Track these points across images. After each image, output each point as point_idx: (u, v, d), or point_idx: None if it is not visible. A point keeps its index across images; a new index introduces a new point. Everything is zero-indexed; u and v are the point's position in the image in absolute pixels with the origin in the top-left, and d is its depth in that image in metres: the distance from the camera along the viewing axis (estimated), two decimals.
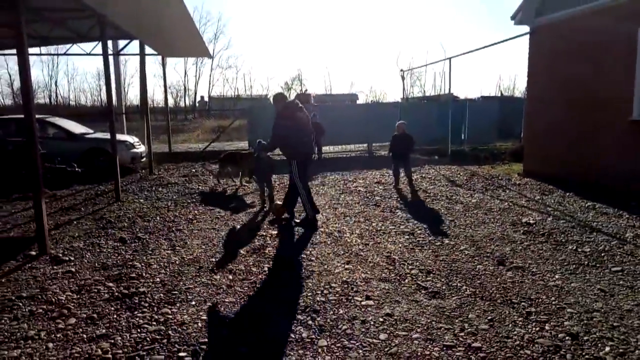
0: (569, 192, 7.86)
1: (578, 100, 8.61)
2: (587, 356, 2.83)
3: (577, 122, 8.65)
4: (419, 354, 2.89)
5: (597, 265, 4.44)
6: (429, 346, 2.98)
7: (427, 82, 62.73)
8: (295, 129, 5.90)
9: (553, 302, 3.61)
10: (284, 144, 6.06)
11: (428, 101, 24.18)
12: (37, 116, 5.85)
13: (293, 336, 3.13)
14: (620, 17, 7.56)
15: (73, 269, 4.48)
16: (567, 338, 3.05)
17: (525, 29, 10.04)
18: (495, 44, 11.83)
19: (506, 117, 16.53)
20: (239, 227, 6.12)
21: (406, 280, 4.12)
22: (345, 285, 4.01)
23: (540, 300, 3.66)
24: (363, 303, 3.65)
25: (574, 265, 4.43)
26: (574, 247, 4.97)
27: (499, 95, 39.00)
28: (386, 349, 2.95)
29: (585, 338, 3.05)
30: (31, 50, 12.66)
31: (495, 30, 64.67)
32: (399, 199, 7.68)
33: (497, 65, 70.72)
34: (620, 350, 2.89)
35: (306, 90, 47.34)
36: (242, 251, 5.02)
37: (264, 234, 5.71)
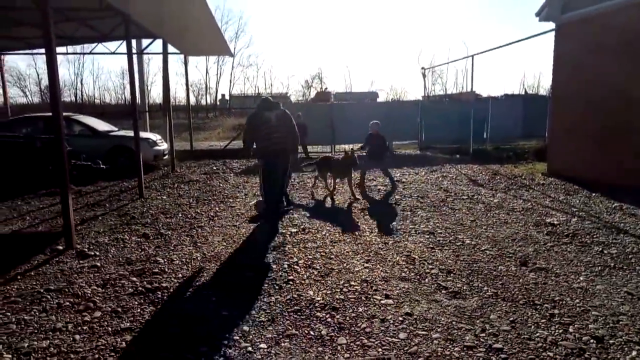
0: (595, 192, 7.68)
1: (606, 99, 8.39)
2: None
3: (605, 120, 8.44)
4: (439, 353, 2.87)
5: (624, 267, 4.33)
6: (449, 346, 2.96)
7: (449, 80, 62.08)
8: (262, 130, 6.33)
9: (577, 305, 3.54)
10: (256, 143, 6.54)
11: (450, 99, 23.89)
12: (63, 114, 6.00)
13: (312, 333, 3.15)
14: None
15: (98, 264, 4.59)
16: (591, 341, 2.99)
17: (551, 25, 9.83)
18: (519, 41, 11.65)
19: (530, 115, 16.21)
20: (259, 224, 6.17)
21: (426, 280, 4.10)
22: (365, 284, 4.00)
23: (564, 302, 3.59)
24: (382, 302, 3.65)
25: (599, 267, 4.33)
26: (600, 249, 4.85)
27: (523, 93, 38.26)
28: (406, 348, 2.94)
29: (611, 342, 2.98)
30: (58, 49, 12.98)
31: (519, 26, 63.41)
32: (419, 198, 7.62)
33: (521, 63, 69.47)
34: None
35: (326, 88, 47.36)
36: (261, 248, 5.07)
37: (284, 231, 5.74)
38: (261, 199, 7.00)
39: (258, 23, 74.64)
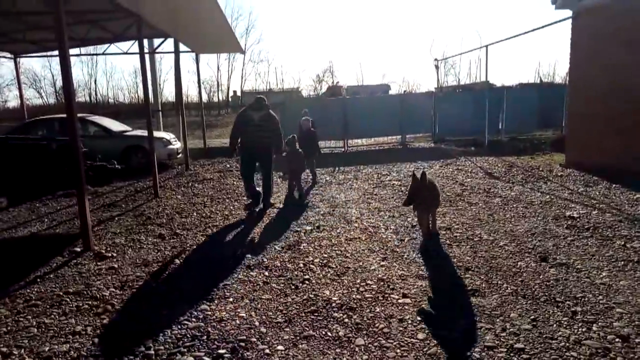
0: (616, 183, 7.50)
1: (626, 86, 8.17)
2: None
3: (626, 109, 8.22)
4: (459, 354, 2.83)
5: None
6: (469, 346, 2.91)
7: (462, 71, 61.27)
8: (244, 128, 6.97)
9: (600, 301, 3.45)
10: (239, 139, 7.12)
11: (463, 90, 23.57)
12: (78, 115, 6.06)
13: (330, 334, 3.13)
14: None
15: (116, 265, 4.63)
16: (616, 340, 2.91)
17: (567, 13, 9.59)
18: (535, 30, 11.42)
19: (546, 105, 15.86)
20: (274, 223, 6.16)
21: (444, 278, 4.04)
22: (382, 283, 3.97)
23: (586, 299, 3.50)
24: (400, 301, 3.61)
25: (622, 262, 4.22)
26: (622, 243, 4.73)
27: (539, 82, 37.58)
28: (425, 349, 2.90)
29: (637, 340, 2.89)
30: (71, 51, 13.11)
31: (533, 14, 62.24)
32: None
33: (535, 51, 68.14)
34: None
35: (337, 82, 47.13)
36: (277, 247, 5.06)
37: (299, 229, 5.72)
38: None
39: (268, 18, 74.45)
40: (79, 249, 5.17)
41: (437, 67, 17.00)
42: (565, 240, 4.89)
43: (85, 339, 3.18)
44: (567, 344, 2.89)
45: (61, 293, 3.96)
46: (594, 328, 3.07)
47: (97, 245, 5.36)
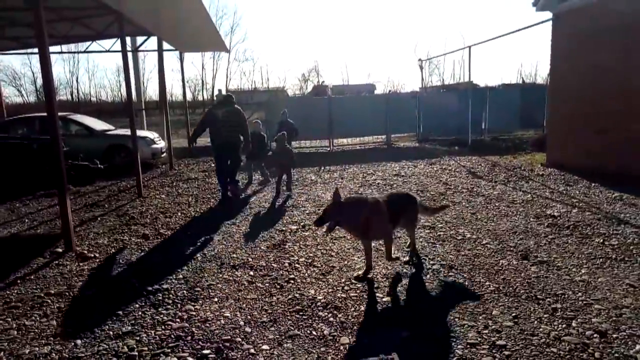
0: (595, 182, 7.67)
1: (605, 88, 8.35)
2: (616, 355, 2.76)
3: (605, 110, 8.40)
4: (442, 352, 2.86)
5: (626, 259, 4.31)
6: (453, 344, 2.94)
7: (446, 71, 61.83)
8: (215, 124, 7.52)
9: (580, 298, 3.53)
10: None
11: (447, 90, 23.80)
12: (59, 114, 5.96)
13: (315, 333, 3.14)
14: None
15: (98, 266, 4.57)
16: (595, 336, 2.98)
17: (548, 15, 9.76)
18: (516, 31, 11.58)
19: (528, 105, 16.13)
20: (259, 222, 6.14)
21: (428, 276, 4.08)
22: (366, 282, 3.99)
23: (566, 296, 3.58)
24: (384, 299, 3.64)
25: (601, 260, 4.32)
26: (601, 240, 4.84)
27: (521, 82, 38.14)
28: (408, 347, 2.93)
29: (614, 336, 2.97)
30: (52, 48, 12.87)
31: (516, 16, 63.12)
32: (418, 192, 7.60)
33: (518, 52, 69.17)
34: None
35: (323, 82, 47.16)
36: (262, 247, 5.05)
37: (284, 229, 5.72)
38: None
39: (253, 17, 74.20)
40: (60, 250, 5.09)
41: (421, 67, 17.16)
42: (546, 239, 4.98)
43: (67, 340, 3.13)
44: (548, 340, 2.95)
45: (42, 294, 3.90)
46: (574, 324, 3.14)
47: (79, 245, 5.29)
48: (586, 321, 3.17)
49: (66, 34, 11.64)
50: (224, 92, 50.57)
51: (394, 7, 74.99)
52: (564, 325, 3.13)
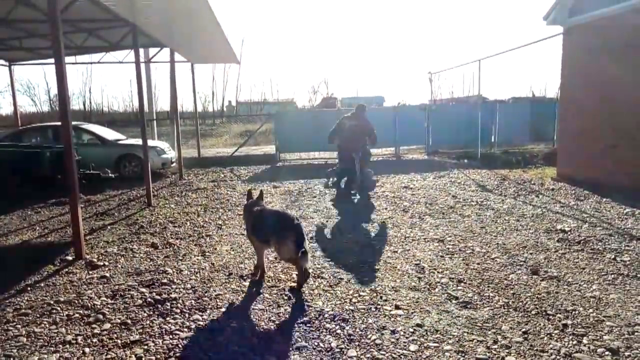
0: (606, 197, 7.59)
1: (616, 102, 8.31)
2: None
3: (615, 124, 8.34)
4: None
5: (638, 275, 4.25)
6: (461, 359, 2.92)
7: (456, 84, 61.85)
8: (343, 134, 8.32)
9: (591, 315, 3.48)
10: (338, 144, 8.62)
11: (456, 103, 23.80)
12: (72, 123, 6.06)
13: (322, 345, 3.13)
14: None
15: (107, 274, 4.61)
16: (606, 353, 2.93)
17: (559, 29, 9.76)
18: (526, 45, 11.56)
19: (538, 118, 16.06)
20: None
21: (436, 290, 4.06)
22: (374, 294, 3.97)
23: (577, 312, 3.53)
24: (392, 312, 3.61)
25: (612, 276, 4.27)
26: (612, 256, 4.78)
27: (531, 96, 38.03)
28: None
29: (626, 354, 2.92)
30: (67, 59, 13.14)
31: (527, 29, 63.16)
32: (427, 205, 7.57)
33: (529, 66, 69.04)
34: None
35: (332, 94, 47.42)
36: (270, 257, 5.05)
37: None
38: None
39: (265, 29, 75.02)
40: (70, 258, 5.14)
41: (431, 80, 17.18)
42: (557, 254, 4.93)
43: (76, 348, 3.15)
44: (558, 357, 2.91)
45: (52, 302, 3.93)
46: (584, 341, 3.10)
47: (89, 253, 5.33)
48: (597, 338, 3.13)
49: (81, 45, 11.88)
50: (233, 104, 50.83)
51: (404, 20, 75.43)
52: (574, 342, 3.08)
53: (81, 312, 3.73)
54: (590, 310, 3.55)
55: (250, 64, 75.50)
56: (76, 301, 3.95)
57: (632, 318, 3.40)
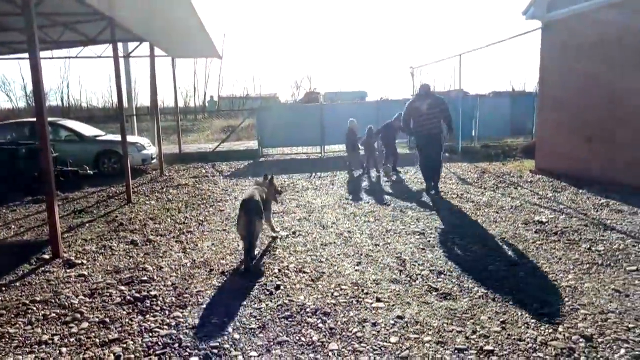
0: (582, 189, 7.75)
1: (592, 96, 8.47)
2: (601, 359, 2.79)
3: (592, 117, 8.51)
4: (430, 357, 2.87)
5: (612, 264, 4.36)
6: (441, 349, 2.95)
7: (438, 79, 62.32)
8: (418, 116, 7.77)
9: (567, 304, 3.56)
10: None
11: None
12: (49, 119, 5.92)
13: (304, 340, 3.13)
14: (636, 9, 7.42)
15: (86, 273, 4.53)
16: (581, 340, 3.00)
17: (537, 24, 9.89)
18: (505, 40, 11.69)
19: (518, 112, 16.28)
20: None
21: (417, 282, 4.10)
22: (356, 287, 3.99)
23: (553, 301, 3.61)
24: (374, 305, 3.64)
25: (587, 265, 4.37)
26: (588, 246, 4.89)
27: (511, 90, 38.54)
28: (397, 353, 2.93)
29: (600, 340, 3.00)
30: (44, 54, 12.81)
31: (508, 24, 63.91)
32: (409, 199, 7.63)
33: (509, 61, 69.92)
34: (636, 353, 2.83)
35: (315, 89, 47.34)
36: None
37: (275, 235, 5.71)
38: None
39: (247, 23, 74.38)
40: (47, 257, 5.04)
41: (413, 74, 17.23)
42: (534, 245, 5.03)
43: (52, 348, 3.10)
44: (535, 346, 2.97)
45: (27, 302, 3.85)
46: (560, 329, 3.16)
47: (66, 252, 5.24)
48: (573, 326, 3.20)
49: (58, 40, 11.59)
50: (215, 99, 50.34)
51: (387, 15, 75.61)
52: (550, 331, 3.15)
53: (58, 311, 3.67)
54: (566, 300, 3.63)
55: (232, 58, 74.84)
56: (53, 301, 3.88)
57: (606, 306, 3.49)
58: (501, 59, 70.60)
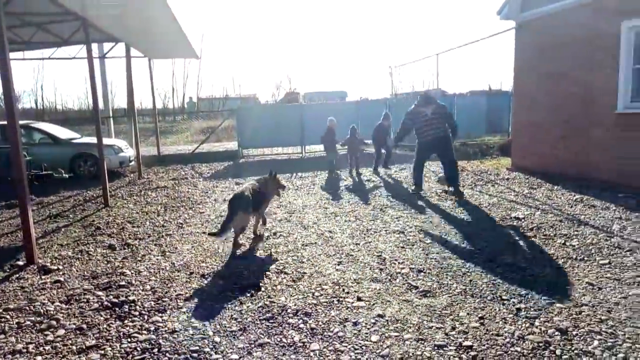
0: (557, 185, 7.94)
1: (565, 94, 8.68)
2: (576, 351, 2.86)
3: (565, 115, 8.72)
4: (410, 354, 2.90)
5: (585, 258, 4.48)
6: (421, 346, 2.99)
7: (416, 78, 62.96)
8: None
9: (542, 298, 3.64)
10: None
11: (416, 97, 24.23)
12: (22, 122, 5.78)
13: (285, 341, 3.13)
14: (604, 11, 7.63)
15: (62, 279, 4.43)
16: (556, 334, 3.07)
17: (511, 23, 10.08)
18: (480, 40, 11.92)
19: (494, 111, 16.57)
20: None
21: (397, 280, 4.13)
22: (337, 287, 4.01)
23: (529, 296, 3.69)
24: (354, 304, 3.66)
25: (562, 260, 4.47)
26: (562, 241, 5.01)
27: (488, 89, 39.17)
28: (378, 351, 2.95)
29: (574, 333, 3.07)
30: (14, 55, 12.49)
31: (486, 24, 64.96)
32: (389, 197, 7.69)
33: (486, 60, 71.04)
34: (609, 344, 2.92)
35: (295, 89, 47.25)
36: (233, 255, 5.00)
37: (263, 228, 5.68)
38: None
39: (225, 23, 73.76)
40: (21, 263, 4.92)
41: (391, 74, 17.43)
42: (511, 240, 5.12)
43: (27, 357, 3.02)
44: (512, 340, 3.03)
45: (0, 310, 3.75)
46: (537, 323, 3.23)
47: (41, 258, 5.12)
48: (548, 320, 3.27)
49: (29, 40, 11.30)
50: (194, 100, 49.80)
51: (366, 14, 75.99)
52: (527, 325, 3.22)
53: (33, 319, 3.58)
54: (542, 294, 3.71)
55: (211, 59, 74.06)
56: (27, 308, 3.78)
57: (579, 299, 3.58)
58: (478, 58, 71.68)
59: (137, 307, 3.73)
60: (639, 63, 7.29)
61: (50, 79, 74.44)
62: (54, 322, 3.49)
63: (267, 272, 4.42)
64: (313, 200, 7.73)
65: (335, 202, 7.52)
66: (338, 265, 4.57)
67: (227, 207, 5.16)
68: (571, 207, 6.50)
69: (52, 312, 3.68)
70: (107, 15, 8.00)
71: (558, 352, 2.86)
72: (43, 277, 4.54)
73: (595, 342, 2.94)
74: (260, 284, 4.13)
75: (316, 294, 3.89)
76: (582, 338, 3.01)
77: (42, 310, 3.72)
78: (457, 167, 7.72)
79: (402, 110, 15.68)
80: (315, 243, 5.34)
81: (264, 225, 5.99)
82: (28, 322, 3.52)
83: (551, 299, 3.60)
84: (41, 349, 3.12)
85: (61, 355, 3.02)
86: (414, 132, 7.91)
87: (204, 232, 5.89)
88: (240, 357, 2.94)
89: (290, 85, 50.83)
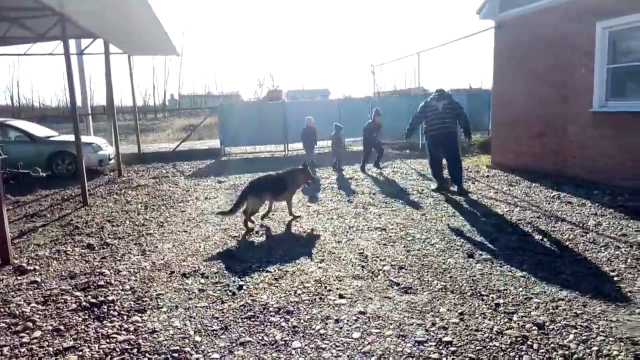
0: (535, 182, 8.09)
1: (543, 93, 8.84)
2: (552, 345, 2.92)
3: (542, 114, 8.89)
4: (391, 351, 2.93)
5: (563, 254, 4.58)
6: (402, 343, 3.02)
7: (398, 77, 63.32)
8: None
9: (520, 293, 3.71)
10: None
11: (398, 95, 24.38)
12: None
13: (267, 339, 3.12)
14: (580, 11, 7.79)
15: (38, 279, 4.34)
16: (534, 328, 3.13)
17: (491, 23, 10.22)
18: (460, 39, 12.09)
19: (474, 109, 16.78)
20: (211, 228, 6.04)
21: (379, 277, 4.16)
22: (319, 285, 4.01)
23: (508, 291, 3.75)
24: (336, 302, 3.67)
25: (540, 255, 4.56)
26: (540, 237, 5.11)
27: (468, 88, 39.66)
28: (359, 348, 2.97)
29: (551, 327, 3.14)
30: None
31: (465, 24, 65.71)
32: (371, 195, 7.73)
33: (466, 59, 71.91)
34: (583, 337, 2.99)
35: (277, 86, 47.09)
36: (214, 254, 4.97)
37: (236, 234, 5.66)
38: None
39: (206, 21, 73.05)
40: None
41: (373, 72, 17.50)
42: (490, 237, 5.20)
43: None
44: (491, 335, 3.08)
45: None
46: (515, 318, 3.29)
47: (17, 258, 5.00)
48: (526, 314, 3.34)
49: (3, 36, 11.01)
50: (176, 97, 49.29)
51: (349, 13, 76.07)
52: (505, 320, 3.27)
53: (8, 320, 3.50)
54: (520, 289, 3.78)
55: (193, 56, 73.35)
56: (2, 309, 3.70)
57: (556, 294, 3.66)
58: (459, 57, 72.51)
59: (116, 307, 3.68)
60: (613, 63, 7.46)
61: (26, 75, 72.88)
62: (29, 324, 3.42)
63: (249, 271, 4.40)
64: (295, 199, 7.71)
65: (317, 200, 7.53)
66: (320, 263, 4.58)
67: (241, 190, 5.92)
68: (549, 203, 6.63)
69: (28, 314, 3.61)
70: (85, 11, 7.84)
71: (535, 346, 2.92)
72: (19, 277, 4.44)
73: (571, 336, 3.01)
74: (242, 283, 4.11)
75: (298, 291, 3.89)
76: (558, 332, 3.08)
77: (17, 312, 3.64)
78: (460, 165, 7.74)
79: (383, 108, 15.87)
80: (297, 241, 5.33)
81: (290, 215, 6.33)
82: (2, 324, 3.44)
83: (529, 294, 3.68)
84: (16, 351, 3.05)
85: (37, 358, 2.96)
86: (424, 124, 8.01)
87: (212, 212, 6.70)
88: (221, 357, 2.93)
89: (273, 83, 50.66)
